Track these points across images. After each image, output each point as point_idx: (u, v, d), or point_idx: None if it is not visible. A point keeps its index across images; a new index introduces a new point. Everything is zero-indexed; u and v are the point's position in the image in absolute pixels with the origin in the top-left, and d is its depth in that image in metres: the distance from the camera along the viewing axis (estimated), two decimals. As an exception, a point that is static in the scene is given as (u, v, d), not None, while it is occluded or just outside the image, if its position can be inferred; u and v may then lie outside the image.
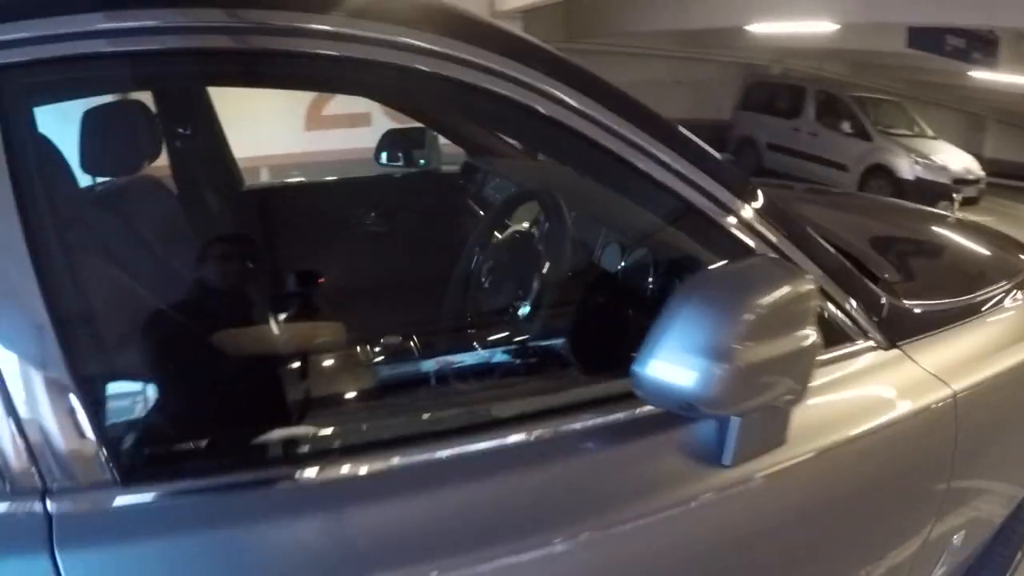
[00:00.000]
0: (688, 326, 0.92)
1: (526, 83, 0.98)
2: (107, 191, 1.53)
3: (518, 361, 1.43)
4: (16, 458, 0.77)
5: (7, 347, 0.77)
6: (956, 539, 1.50)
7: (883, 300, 1.31)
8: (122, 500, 0.80)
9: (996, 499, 1.62)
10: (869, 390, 1.26)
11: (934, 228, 2.35)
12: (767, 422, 1.05)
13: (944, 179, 9.41)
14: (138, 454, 0.88)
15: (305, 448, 1.04)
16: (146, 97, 1.60)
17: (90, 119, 1.37)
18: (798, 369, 1.01)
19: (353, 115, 9.56)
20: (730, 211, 1.11)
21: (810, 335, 0.99)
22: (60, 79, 0.89)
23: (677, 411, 0.96)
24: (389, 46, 0.92)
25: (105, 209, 1.47)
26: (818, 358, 1.12)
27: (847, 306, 1.23)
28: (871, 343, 1.26)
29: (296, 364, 1.26)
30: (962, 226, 2.44)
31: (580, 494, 0.98)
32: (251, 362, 1.22)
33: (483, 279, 1.73)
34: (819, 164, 10.74)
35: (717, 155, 1.17)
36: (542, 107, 0.99)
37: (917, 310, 1.39)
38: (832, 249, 1.28)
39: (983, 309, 1.53)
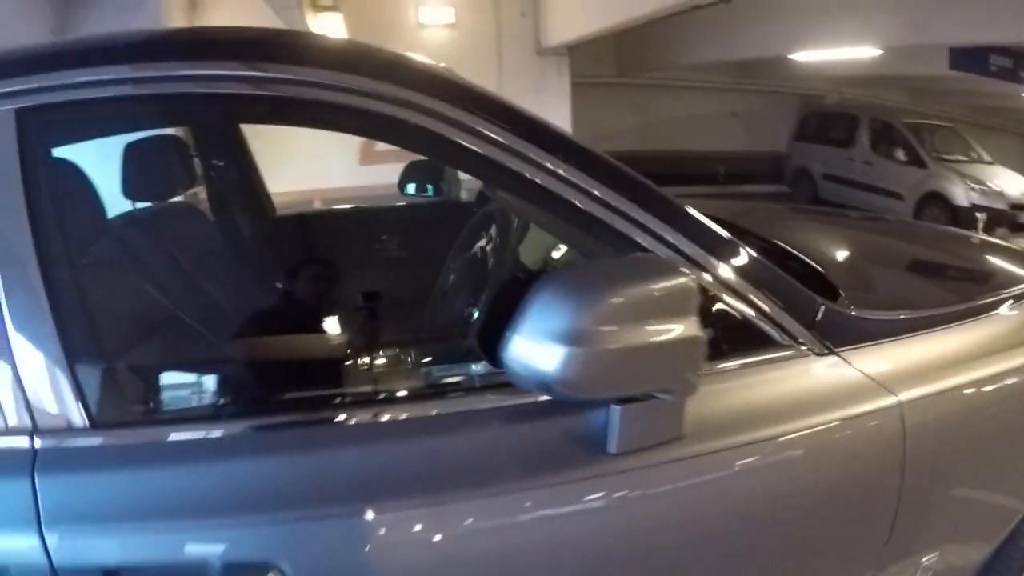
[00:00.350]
0: (547, 310, 0.97)
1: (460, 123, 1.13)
2: (147, 212, 1.71)
3: (448, 354, 1.53)
4: (14, 404, 1.01)
5: (17, 328, 1.02)
6: (928, 560, 1.43)
7: (819, 307, 1.30)
8: (91, 440, 1.03)
9: (982, 517, 1.53)
10: (794, 393, 1.25)
11: (939, 245, 2.32)
12: (655, 413, 1.07)
13: (1000, 205, 9.08)
14: (105, 405, 1.10)
15: (245, 407, 1.24)
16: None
17: (130, 151, 1.57)
18: (678, 362, 1.03)
19: (402, 151, 9.91)
20: (632, 220, 1.17)
21: (688, 329, 1.01)
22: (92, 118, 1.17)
23: (541, 392, 1.01)
24: (359, 94, 1.10)
25: (136, 226, 1.65)
26: (738, 361, 1.22)
27: (770, 311, 1.24)
28: (802, 348, 1.26)
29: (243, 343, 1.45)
30: (977, 245, 2.41)
31: (470, 464, 1.08)
32: (207, 339, 1.46)
33: (448, 291, 1.89)
34: (874, 193, 10.53)
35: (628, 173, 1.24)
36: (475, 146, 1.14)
37: (869, 318, 1.38)
38: (759, 258, 1.29)
39: (956, 320, 1.49)
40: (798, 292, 1.30)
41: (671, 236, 1.19)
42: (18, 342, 1.01)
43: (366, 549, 1.01)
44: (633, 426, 1.05)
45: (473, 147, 1.13)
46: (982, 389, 1.42)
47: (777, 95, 13.51)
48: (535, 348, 0.96)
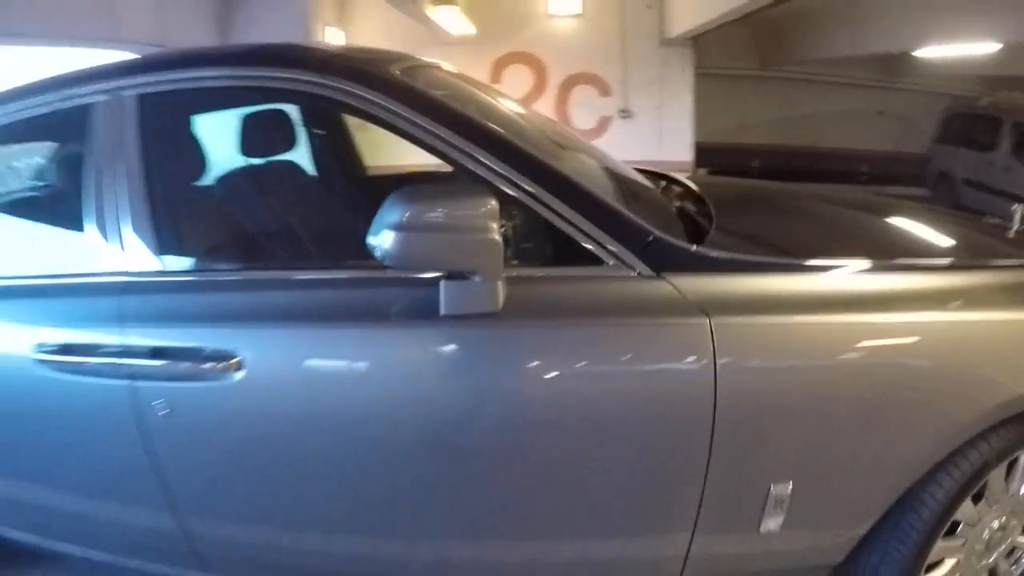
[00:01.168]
0: (391, 209, 1.45)
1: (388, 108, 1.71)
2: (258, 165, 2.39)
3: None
4: (119, 256, 1.81)
5: (133, 220, 1.81)
6: (777, 489, 1.63)
7: (650, 237, 1.64)
8: (159, 278, 1.84)
9: (852, 464, 1.68)
10: (610, 298, 1.61)
11: (889, 216, 2.55)
12: (471, 290, 1.51)
13: None
14: (169, 260, 1.87)
15: (238, 265, 1.99)
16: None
17: (247, 119, 2.27)
18: (479, 254, 1.48)
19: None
20: (480, 163, 1.66)
21: (488, 234, 1.45)
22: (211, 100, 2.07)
23: (384, 264, 1.47)
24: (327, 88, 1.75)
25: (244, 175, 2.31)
26: (564, 268, 1.66)
27: (594, 234, 1.62)
28: (626, 267, 1.62)
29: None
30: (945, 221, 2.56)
31: (357, 309, 1.67)
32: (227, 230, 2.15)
33: None
34: (1013, 201, 9.93)
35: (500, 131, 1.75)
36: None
37: (713, 254, 1.68)
38: (594, 196, 1.69)
39: (817, 271, 1.72)
40: (628, 224, 1.67)
41: (513, 175, 1.65)
42: (128, 227, 1.81)
43: (285, 351, 1.70)
44: (454, 296, 1.52)
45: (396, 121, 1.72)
46: (825, 335, 1.61)
47: (928, 95, 12.90)
48: (380, 234, 1.45)
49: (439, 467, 1.70)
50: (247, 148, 2.28)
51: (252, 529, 1.87)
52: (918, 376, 1.65)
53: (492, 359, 1.63)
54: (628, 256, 1.63)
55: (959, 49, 8.03)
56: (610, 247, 1.63)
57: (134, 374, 1.71)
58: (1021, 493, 1.91)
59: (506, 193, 1.64)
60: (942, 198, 11.29)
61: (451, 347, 1.63)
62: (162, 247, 1.82)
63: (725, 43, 13.10)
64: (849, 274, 1.75)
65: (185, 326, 1.73)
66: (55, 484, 1.99)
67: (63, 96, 1.93)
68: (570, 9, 9.89)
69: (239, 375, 1.65)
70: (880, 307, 1.66)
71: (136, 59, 2.03)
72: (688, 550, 1.72)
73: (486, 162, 1.66)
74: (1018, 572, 2.05)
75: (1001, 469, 1.82)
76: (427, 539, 1.79)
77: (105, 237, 1.82)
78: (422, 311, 1.57)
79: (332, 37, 8.88)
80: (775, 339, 1.60)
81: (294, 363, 1.68)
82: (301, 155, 2.50)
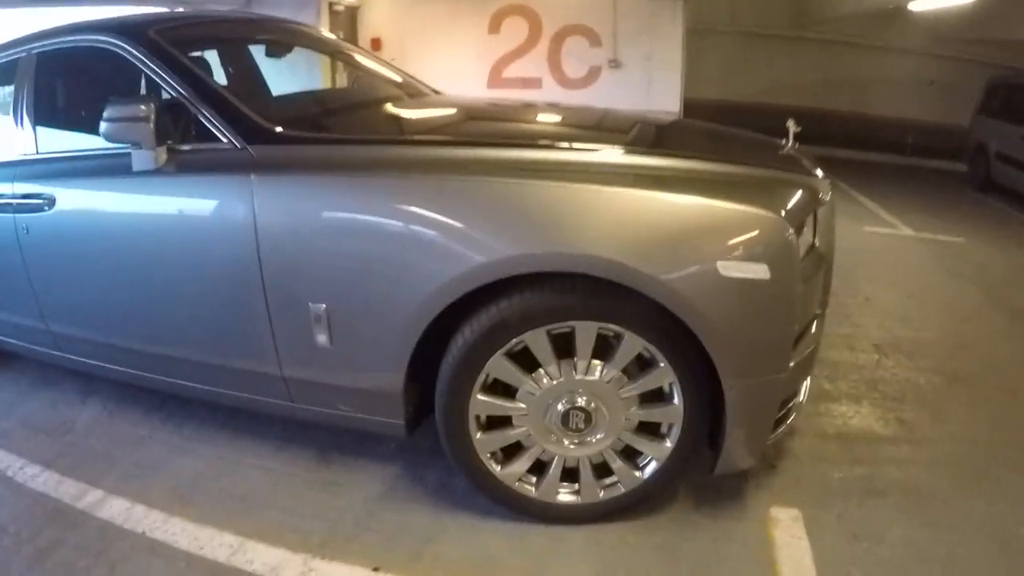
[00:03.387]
0: (104, 109, 2.33)
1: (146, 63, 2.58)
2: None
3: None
4: (17, 144, 2.99)
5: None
6: (315, 308, 2.25)
7: (252, 122, 2.41)
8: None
9: (364, 298, 2.19)
10: (216, 161, 2.39)
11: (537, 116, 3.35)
12: (142, 156, 2.37)
13: None
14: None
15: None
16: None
17: (79, 64, 3.09)
18: (141, 135, 2.31)
19: (527, 79, 10.61)
20: (166, 80, 2.53)
21: (144, 123, 2.29)
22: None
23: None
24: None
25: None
26: (204, 143, 2.42)
27: (216, 120, 2.41)
28: (232, 142, 2.38)
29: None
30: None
31: (116, 167, 2.53)
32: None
33: None
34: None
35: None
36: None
37: (287, 133, 2.42)
38: (228, 99, 2.50)
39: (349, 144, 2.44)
40: (237, 112, 2.46)
41: (181, 86, 2.49)
42: (22, 131, 2.94)
43: (74, 194, 2.70)
44: (135, 159, 2.39)
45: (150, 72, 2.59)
46: (336, 190, 2.22)
47: (983, 66, 11.76)
48: (101, 124, 2.33)
49: (129, 267, 2.63)
50: (77, 84, 3.23)
51: (71, 312, 2.91)
52: (413, 234, 2.08)
53: (152, 197, 2.52)
54: (231, 134, 2.40)
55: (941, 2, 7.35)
56: (223, 128, 2.42)
57: (16, 208, 2.84)
58: (606, 379, 2.15)
59: (176, 98, 2.50)
60: (975, 173, 10.37)
61: (136, 189, 2.54)
62: (34, 143, 2.94)
63: (759, 3, 12.57)
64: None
65: (37, 182, 2.80)
66: None
67: (7, 53, 3.10)
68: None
69: (55, 208, 2.73)
70: (379, 173, 2.21)
71: (38, 31, 3.11)
72: (281, 369, 2.42)
73: (167, 79, 2.53)
74: (644, 477, 2.28)
75: (540, 336, 2.07)
76: (128, 323, 2.77)
77: (14, 134, 2.97)
78: (128, 168, 2.43)
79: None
80: (298, 191, 2.26)
81: (77, 198, 2.72)
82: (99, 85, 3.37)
